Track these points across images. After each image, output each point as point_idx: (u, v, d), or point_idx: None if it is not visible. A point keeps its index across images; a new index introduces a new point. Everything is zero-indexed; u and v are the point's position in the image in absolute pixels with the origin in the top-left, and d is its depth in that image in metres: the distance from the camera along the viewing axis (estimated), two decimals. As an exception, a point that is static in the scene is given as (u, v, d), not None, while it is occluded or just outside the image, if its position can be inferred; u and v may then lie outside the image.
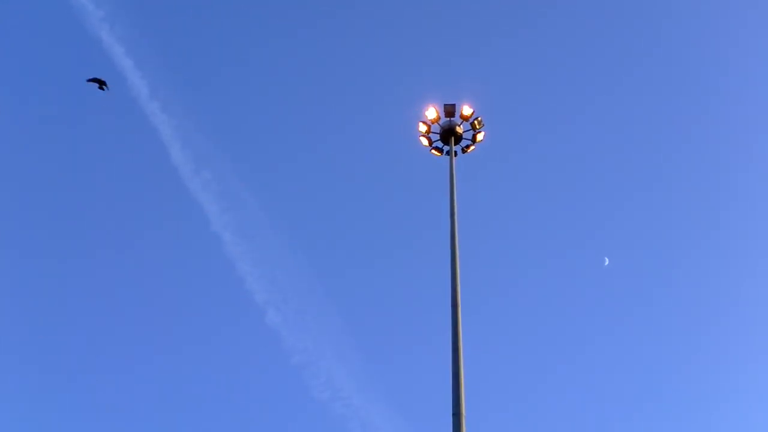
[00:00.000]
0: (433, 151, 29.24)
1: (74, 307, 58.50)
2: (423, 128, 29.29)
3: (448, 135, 29.02)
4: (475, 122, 29.19)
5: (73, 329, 58.25)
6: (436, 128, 29.30)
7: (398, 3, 68.26)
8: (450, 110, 29.25)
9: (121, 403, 53.99)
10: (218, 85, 65.64)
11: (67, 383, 55.66)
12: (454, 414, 20.55)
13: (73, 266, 60.06)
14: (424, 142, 29.30)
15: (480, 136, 29.22)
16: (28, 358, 55.31)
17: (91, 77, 28.34)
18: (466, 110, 29.17)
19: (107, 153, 62.97)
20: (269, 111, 64.75)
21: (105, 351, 56.57)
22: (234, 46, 67.14)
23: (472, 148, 29.24)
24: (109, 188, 61.93)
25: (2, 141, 61.31)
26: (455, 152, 28.70)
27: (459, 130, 29.10)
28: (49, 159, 63.08)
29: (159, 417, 54.24)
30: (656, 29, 68.16)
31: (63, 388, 55.46)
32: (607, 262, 55.46)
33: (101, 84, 28.09)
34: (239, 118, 64.53)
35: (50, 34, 64.93)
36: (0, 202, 60.60)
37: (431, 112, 29.26)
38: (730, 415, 55.25)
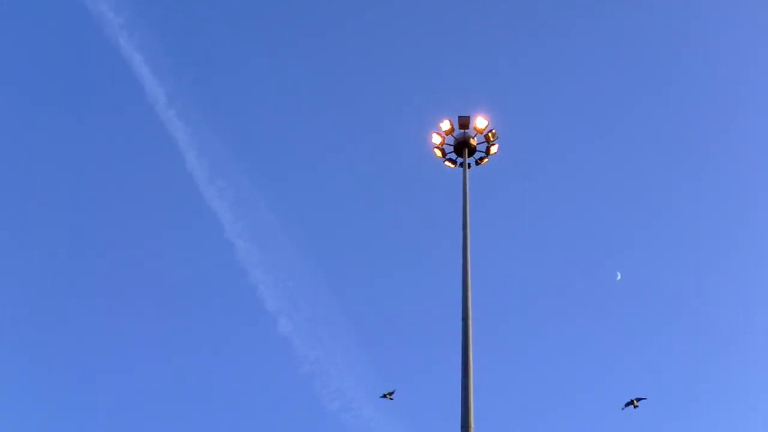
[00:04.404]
0: (446, 162, 29.20)
1: (88, 310, 58.80)
2: (437, 140, 29.25)
3: (461, 147, 28.99)
4: (489, 135, 29.14)
5: (85, 332, 58.53)
6: (450, 140, 29.27)
7: (414, 16, 68.45)
8: (464, 122, 29.19)
9: (131, 406, 54.13)
10: (235, 94, 66.01)
11: (76, 384, 55.91)
12: (462, 427, 20.51)
13: (88, 270, 60.36)
14: (438, 153, 29.27)
15: (494, 149, 29.16)
16: (39, 357, 55.64)
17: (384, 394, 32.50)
18: (481, 123, 29.11)
19: (124, 159, 63.40)
20: (285, 121, 65.05)
21: (116, 354, 56.82)
22: (251, 57, 67.51)
23: (485, 160, 29.19)
24: (124, 193, 62.34)
25: (21, 145, 61.82)
26: (469, 164, 28.65)
27: (473, 142, 29.04)
28: (65, 164, 63.53)
29: (169, 421, 54.31)
30: (675, 46, 68.03)
31: (73, 389, 55.71)
32: (619, 277, 55.23)
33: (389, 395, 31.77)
34: (255, 127, 64.87)
35: (70, 41, 65.47)
36: (18, 204, 61.07)
37: (445, 124, 29.22)
38: (746, 426, 55.02)
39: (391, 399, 32.46)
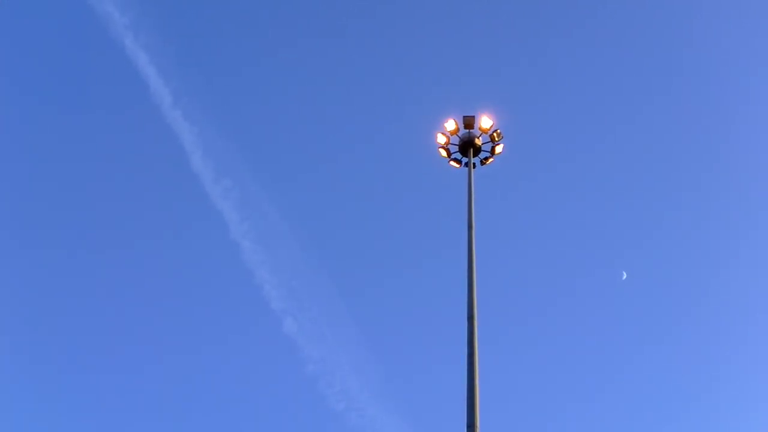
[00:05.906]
0: (451, 162, 29.23)
1: (90, 309, 58.88)
2: (442, 140, 29.27)
3: (466, 147, 29.01)
4: (494, 134, 29.15)
5: (87, 331, 58.62)
6: (455, 140, 29.29)
7: (419, 15, 68.43)
8: (469, 122, 29.22)
9: (133, 406, 54.21)
10: (241, 94, 66.03)
11: (76, 384, 56.02)
12: (468, 426, 20.52)
13: (92, 269, 60.45)
14: (443, 153, 29.30)
15: (499, 149, 29.18)
16: (39, 357, 55.80)
17: None
18: (486, 122, 29.14)
19: (129, 159, 63.44)
20: (291, 121, 65.04)
21: (118, 354, 56.84)
22: (256, 57, 67.54)
23: (490, 160, 29.21)
24: (129, 193, 62.38)
25: (24, 144, 61.94)
26: (474, 164, 28.69)
27: (478, 142, 29.07)
28: (70, 163, 63.63)
29: (172, 421, 54.39)
30: (681, 44, 67.94)
31: (73, 389, 55.81)
32: (625, 276, 55.22)
33: None
34: (261, 127, 64.89)
35: (75, 41, 65.56)
36: (20, 203, 61.22)
37: (450, 124, 29.23)
38: (752, 426, 54.96)
39: None
